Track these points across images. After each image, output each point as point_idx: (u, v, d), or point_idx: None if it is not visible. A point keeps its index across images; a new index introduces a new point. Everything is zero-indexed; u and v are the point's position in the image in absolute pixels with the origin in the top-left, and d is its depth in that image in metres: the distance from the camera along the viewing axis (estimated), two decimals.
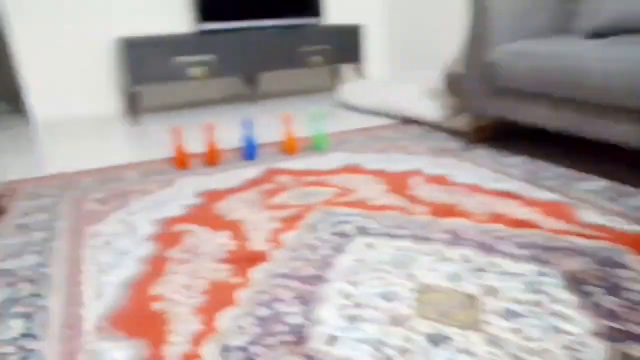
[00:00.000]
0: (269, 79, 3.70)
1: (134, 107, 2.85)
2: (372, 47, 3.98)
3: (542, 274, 1.12)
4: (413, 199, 1.57)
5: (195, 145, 2.30)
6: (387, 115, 2.78)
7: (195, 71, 2.95)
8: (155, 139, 2.51)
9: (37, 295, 1.09)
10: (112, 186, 1.80)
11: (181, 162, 1.95)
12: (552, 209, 1.46)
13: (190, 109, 3.25)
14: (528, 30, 1.98)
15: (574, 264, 1.15)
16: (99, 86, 3.19)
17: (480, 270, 1.13)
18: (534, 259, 1.17)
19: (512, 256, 1.19)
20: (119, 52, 3.10)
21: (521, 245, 1.24)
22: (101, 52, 3.14)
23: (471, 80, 2.05)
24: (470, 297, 1.03)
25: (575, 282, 1.08)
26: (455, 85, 2.35)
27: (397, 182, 1.72)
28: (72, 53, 3.07)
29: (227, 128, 2.66)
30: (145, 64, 2.80)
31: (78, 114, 3.18)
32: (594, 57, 1.58)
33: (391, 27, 3.96)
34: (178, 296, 1.08)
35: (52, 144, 2.49)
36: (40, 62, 3.00)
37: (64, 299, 1.08)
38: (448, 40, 3.37)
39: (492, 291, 1.05)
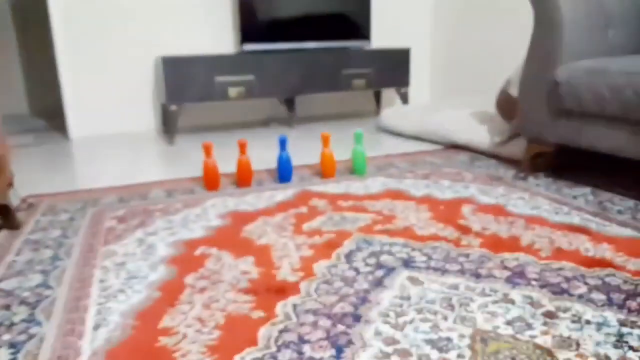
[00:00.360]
0: (309, 102, 3.59)
1: (171, 126, 2.78)
2: (415, 71, 3.84)
3: (624, 323, 0.91)
4: (464, 230, 1.38)
5: (227, 165, 2.19)
6: (431, 140, 2.61)
7: (233, 91, 2.87)
8: (189, 158, 2.42)
9: (32, 321, 0.96)
10: (136, 204, 1.69)
11: (210, 181, 1.83)
12: (629, 247, 1.24)
13: (227, 130, 3.17)
14: (601, 47, 1.79)
15: None
16: (138, 105, 3.15)
17: (551, 316, 0.94)
18: (614, 305, 0.97)
19: (588, 301, 0.99)
20: (158, 71, 3.07)
21: (597, 288, 1.04)
22: (142, 71, 3.11)
23: (531, 102, 1.87)
24: (542, 350, 0.84)
25: None
26: (509, 108, 2.16)
27: (446, 211, 1.54)
28: (114, 72, 3.05)
29: (262, 149, 2.54)
30: (182, 83, 2.74)
31: (117, 131, 3.14)
32: None
33: (434, 52, 3.81)
34: (190, 330, 0.92)
35: (86, 161, 2.42)
36: (82, 81, 2.99)
37: (62, 326, 0.95)
38: (495, 64, 3.20)
39: (567, 343, 0.85)
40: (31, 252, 1.30)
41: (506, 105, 2.17)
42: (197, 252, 1.28)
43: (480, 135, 2.30)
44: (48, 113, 4.36)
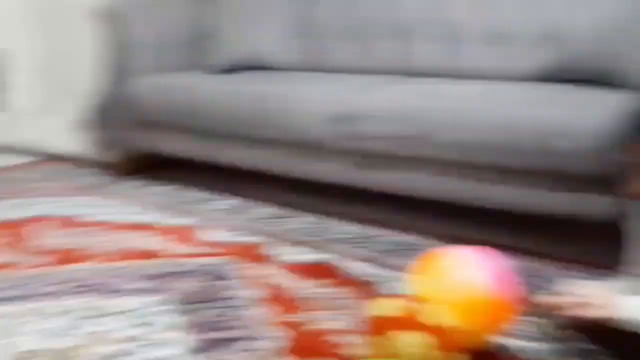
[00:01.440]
0: None
1: None
2: (15, 75, 3.52)
3: (159, 303, 1.14)
4: (32, 251, 1.42)
5: None
6: (24, 152, 2.44)
7: None
8: None
9: None
10: None
11: None
12: (181, 234, 1.51)
13: None
14: (169, 64, 1.99)
15: (187, 285, 1.22)
16: None
17: (90, 317, 1.09)
18: (152, 290, 1.19)
19: (129, 292, 1.19)
20: None
21: (142, 278, 1.25)
22: None
23: (114, 112, 1.98)
24: (63, 353, 0.97)
25: (186, 304, 1.14)
26: (100, 117, 2.23)
27: (13, 233, 1.53)
28: None
29: None
30: None
31: None
32: (221, 91, 1.74)
33: (36, 55, 3.57)
34: None
35: None
36: None
37: None
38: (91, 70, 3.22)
39: (97, 339, 1.01)
40: None
41: (98, 113, 2.21)
42: None
43: (78, 144, 2.27)
44: None
